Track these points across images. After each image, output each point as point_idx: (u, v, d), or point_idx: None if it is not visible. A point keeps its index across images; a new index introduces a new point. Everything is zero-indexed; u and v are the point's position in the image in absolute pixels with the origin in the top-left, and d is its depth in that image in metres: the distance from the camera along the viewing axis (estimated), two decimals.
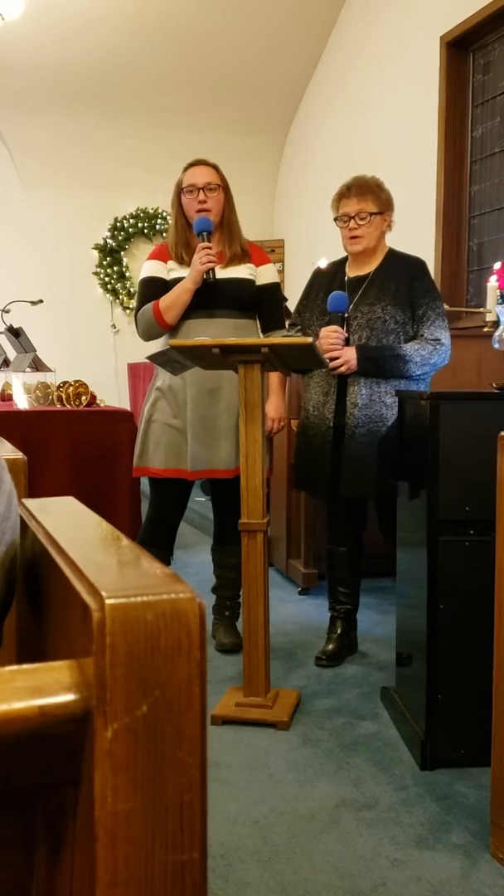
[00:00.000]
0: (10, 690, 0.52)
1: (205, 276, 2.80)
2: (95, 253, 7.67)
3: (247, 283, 2.92)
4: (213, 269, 2.80)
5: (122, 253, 7.70)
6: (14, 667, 0.54)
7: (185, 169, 2.94)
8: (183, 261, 2.89)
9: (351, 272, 2.86)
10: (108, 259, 7.68)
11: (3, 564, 0.75)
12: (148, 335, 2.98)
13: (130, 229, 7.69)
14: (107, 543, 0.70)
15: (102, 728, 0.51)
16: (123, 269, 7.69)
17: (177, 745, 0.53)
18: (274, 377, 2.97)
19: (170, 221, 3.09)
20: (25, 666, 0.54)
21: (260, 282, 2.96)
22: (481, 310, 3.93)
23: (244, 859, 1.75)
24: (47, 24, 6.24)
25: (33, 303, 5.08)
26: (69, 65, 6.67)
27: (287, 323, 3.03)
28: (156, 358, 2.76)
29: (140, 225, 7.69)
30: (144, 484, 3.58)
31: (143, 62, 6.74)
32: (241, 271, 2.92)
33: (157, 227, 7.69)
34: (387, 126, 5.81)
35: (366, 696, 2.62)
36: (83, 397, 3.76)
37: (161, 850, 0.53)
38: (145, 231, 7.73)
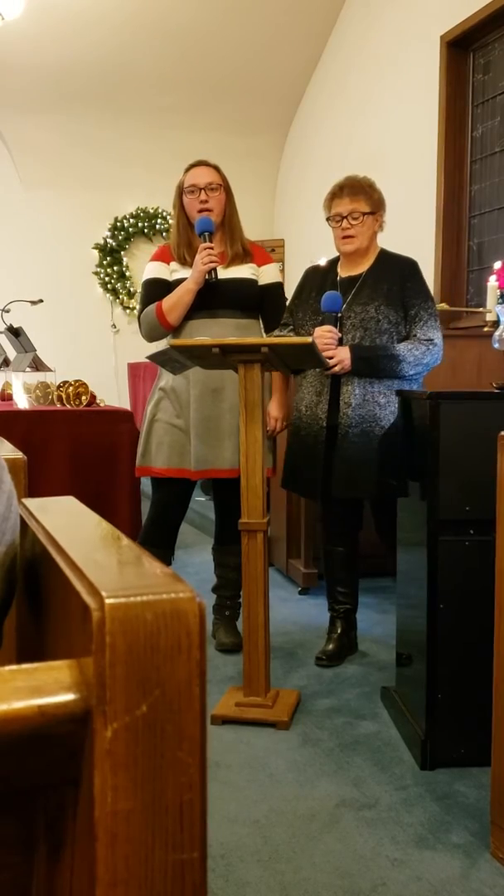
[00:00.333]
0: (9, 690, 0.52)
1: (207, 277, 2.80)
2: (95, 253, 7.67)
3: (249, 283, 2.92)
4: (214, 270, 2.81)
5: (122, 253, 7.70)
6: (14, 666, 0.54)
7: (187, 170, 2.94)
8: (185, 261, 2.89)
9: (343, 272, 2.86)
10: (108, 259, 7.68)
11: (3, 564, 0.75)
12: (151, 336, 2.99)
13: (130, 229, 7.70)
14: (107, 543, 0.70)
15: (102, 728, 0.51)
16: (123, 269, 7.69)
17: (177, 745, 0.53)
18: (277, 377, 2.97)
19: (172, 223, 3.10)
20: (25, 666, 0.54)
21: (262, 281, 2.96)
22: (481, 310, 3.94)
23: (244, 859, 1.75)
24: (47, 24, 6.24)
25: (33, 303, 5.08)
26: (69, 65, 6.67)
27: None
28: (156, 357, 2.77)
29: (140, 225, 7.70)
30: (145, 484, 3.58)
31: (143, 62, 6.74)
32: (243, 271, 2.93)
33: (158, 226, 7.69)
34: (387, 126, 5.81)
35: (366, 696, 2.62)
36: (83, 397, 3.76)
37: (161, 850, 0.53)
38: (145, 231, 7.73)
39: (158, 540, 2.95)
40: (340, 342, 2.71)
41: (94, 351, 7.48)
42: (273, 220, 8.00)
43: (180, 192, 2.94)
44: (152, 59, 6.72)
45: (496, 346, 2.37)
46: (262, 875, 1.69)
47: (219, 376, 2.82)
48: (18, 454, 1.12)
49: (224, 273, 2.87)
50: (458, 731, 2.15)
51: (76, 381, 3.81)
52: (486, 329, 3.69)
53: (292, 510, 3.78)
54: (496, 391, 2.31)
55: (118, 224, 7.67)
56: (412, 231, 4.96)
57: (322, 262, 3.05)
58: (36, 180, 7.41)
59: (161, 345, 2.92)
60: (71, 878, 0.60)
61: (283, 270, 7.36)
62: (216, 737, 2.31)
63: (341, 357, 2.67)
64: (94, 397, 3.83)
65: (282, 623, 3.29)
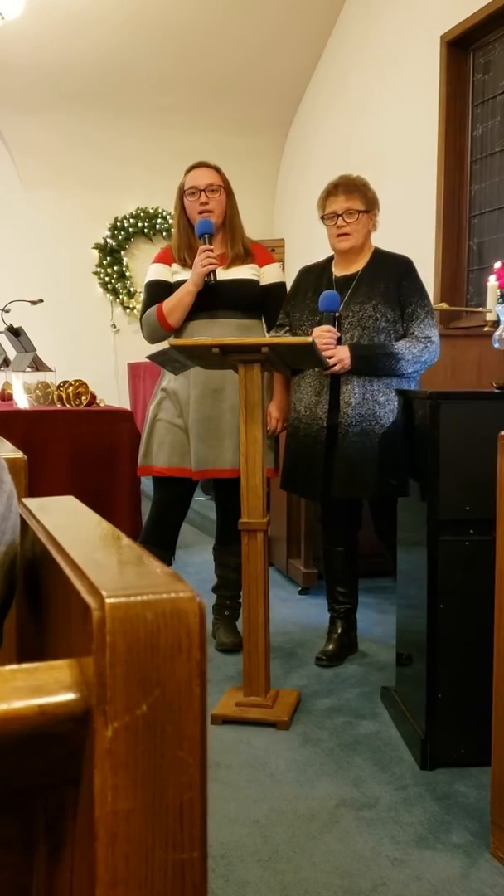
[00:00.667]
0: (9, 690, 0.52)
1: (206, 279, 2.80)
2: (95, 253, 7.67)
3: (249, 284, 2.92)
4: (214, 272, 2.81)
5: (122, 253, 7.70)
6: (14, 666, 0.54)
7: (187, 171, 2.94)
8: (186, 263, 2.90)
9: (338, 271, 2.86)
10: (108, 259, 7.67)
11: (3, 564, 0.75)
12: (153, 338, 2.99)
13: (130, 229, 7.69)
14: (107, 543, 0.70)
15: (102, 727, 0.51)
16: (123, 269, 7.68)
17: (177, 745, 0.53)
18: (277, 377, 2.97)
19: (173, 224, 3.10)
20: (25, 665, 0.54)
21: (264, 282, 2.96)
22: (481, 309, 3.93)
23: (244, 859, 1.75)
24: (47, 24, 6.23)
25: (33, 302, 5.08)
26: (69, 65, 6.67)
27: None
28: (156, 357, 2.77)
29: (140, 225, 7.69)
30: (145, 484, 3.59)
31: (143, 62, 6.73)
32: (243, 272, 2.92)
33: (157, 226, 7.68)
34: (387, 126, 5.80)
35: (366, 696, 2.62)
36: (83, 397, 3.76)
37: (161, 850, 0.53)
38: (145, 231, 7.72)
39: (159, 540, 2.95)
40: (339, 341, 2.71)
41: (94, 351, 7.48)
42: (273, 220, 8.00)
43: (181, 193, 2.94)
44: (152, 59, 6.72)
45: (496, 345, 2.37)
46: (262, 875, 1.69)
47: (219, 376, 2.82)
48: (18, 454, 1.12)
49: (225, 274, 2.87)
50: (458, 730, 2.15)
51: (76, 380, 3.81)
52: (486, 329, 3.69)
53: (292, 510, 3.78)
54: (496, 391, 2.31)
55: (118, 224, 7.67)
56: (412, 231, 4.96)
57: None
58: (36, 180, 7.41)
59: (162, 345, 2.92)
60: (71, 878, 0.60)
61: (282, 270, 7.36)
62: (216, 737, 2.31)
63: (341, 356, 2.67)
64: (94, 397, 3.83)
65: (282, 623, 3.29)
